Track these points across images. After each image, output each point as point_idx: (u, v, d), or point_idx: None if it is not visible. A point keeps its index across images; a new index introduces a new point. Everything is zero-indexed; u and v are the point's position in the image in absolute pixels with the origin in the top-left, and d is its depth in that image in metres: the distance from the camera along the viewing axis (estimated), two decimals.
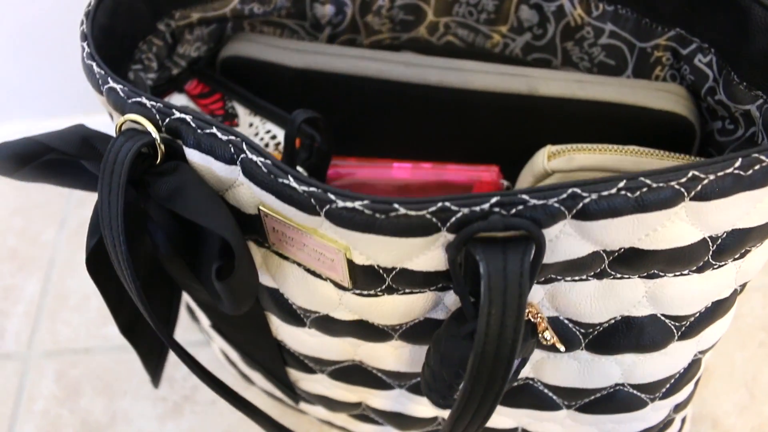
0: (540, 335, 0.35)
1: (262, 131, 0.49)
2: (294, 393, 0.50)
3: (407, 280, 0.33)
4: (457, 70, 0.48)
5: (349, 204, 0.29)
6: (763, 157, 0.30)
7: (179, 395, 0.62)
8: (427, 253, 0.31)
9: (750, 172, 0.30)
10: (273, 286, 0.38)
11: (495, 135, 0.49)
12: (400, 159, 0.49)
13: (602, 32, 0.49)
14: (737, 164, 0.29)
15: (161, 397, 0.62)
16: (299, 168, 0.46)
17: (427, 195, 0.48)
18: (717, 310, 0.37)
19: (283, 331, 0.42)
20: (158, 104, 0.33)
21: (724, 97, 0.43)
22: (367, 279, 0.33)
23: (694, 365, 0.40)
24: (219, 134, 0.32)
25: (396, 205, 0.29)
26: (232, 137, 0.32)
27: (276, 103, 0.52)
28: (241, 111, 0.50)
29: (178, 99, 0.50)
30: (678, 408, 0.44)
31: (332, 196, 0.29)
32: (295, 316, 0.39)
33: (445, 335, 0.33)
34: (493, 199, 0.29)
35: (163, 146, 0.33)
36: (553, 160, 0.43)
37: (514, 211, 0.29)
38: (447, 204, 0.29)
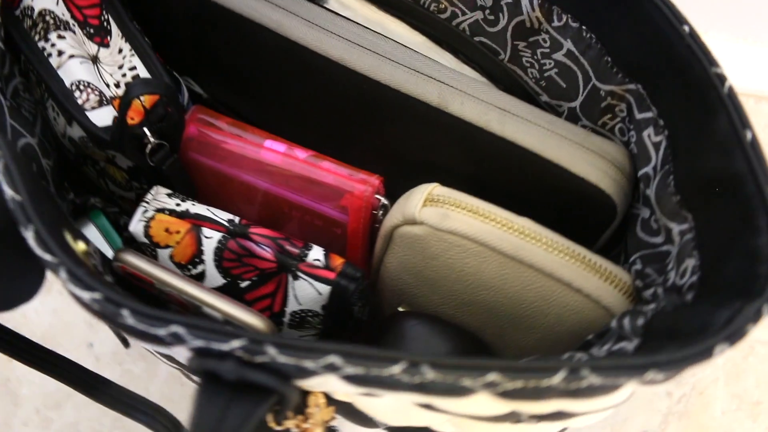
0: None
1: (126, 66, 0.40)
2: None
3: None
4: (367, 50, 0.38)
5: None
6: (587, 374, 0.23)
7: None
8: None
9: (572, 386, 0.23)
10: None
11: (395, 139, 0.40)
12: (283, 135, 0.41)
13: (560, 47, 0.38)
14: (557, 378, 0.23)
15: None
16: (147, 130, 0.38)
17: (292, 189, 0.40)
18: None
19: None
20: None
21: (653, 196, 0.34)
22: None
23: None
24: None
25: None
26: None
27: (170, 33, 0.43)
28: (115, 31, 0.41)
29: None
30: None
31: None
32: None
33: None
34: (235, 344, 0.22)
35: None
36: (428, 209, 0.35)
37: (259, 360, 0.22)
38: (177, 330, 0.22)
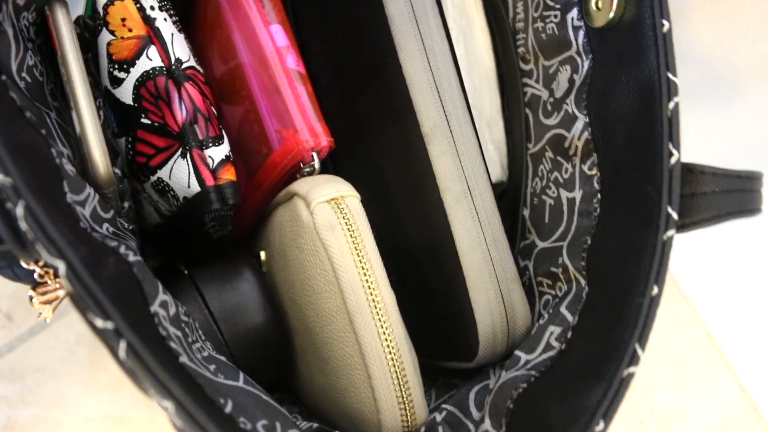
0: None
1: None
2: None
3: None
4: (420, 38, 0.34)
5: None
6: None
7: None
8: None
9: None
10: None
11: (369, 117, 0.36)
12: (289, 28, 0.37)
13: (570, 189, 0.34)
14: None
15: None
16: None
17: (260, 83, 0.37)
18: None
19: None
20: None
21: (489, 403, 0.31)
22: None
23: None
24: None
25: None
26: None
27: None
28: None
29: None
30: None
31: None
32: None
33: None
34: None
35: None
36: (326, 208, 0.32)
37: None
38: None
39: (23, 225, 0.22)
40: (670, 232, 0.27)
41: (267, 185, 0.39)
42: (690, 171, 0.29)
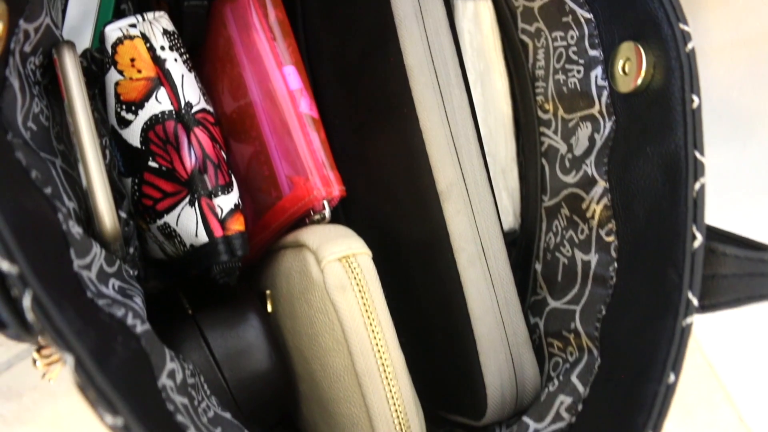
0: None
1: None
2: None
3: None
4: (439, 90, 0.33)
5: None
6: None
7: None
8: None
9: None
10: None
11: (384, 172, 0.36)
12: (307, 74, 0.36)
13: (586, 252, 0.33)
14: None
15: None
16: None
17: (271, 125, 0.36)
18: None
19: None
20: None
21: None
22: None
23: None
24: None
25: None
26: None
27: None
28: None
29: None
30: None
31: None
32: None
33: None
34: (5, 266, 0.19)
35: None
36: (337, 267, 0.31)
37: None
38: None
39: (30, 316, 0.21)
40: (690, 319, 0.27)
41: (275, 227, 0.38)
42: (712, 251, 0.28)
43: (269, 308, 0.39)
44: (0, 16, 0.25)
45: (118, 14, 0.38)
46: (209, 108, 0.35)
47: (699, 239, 0.27)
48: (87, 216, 0.31)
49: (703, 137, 0.28)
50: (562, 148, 0.36)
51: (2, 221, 0.22)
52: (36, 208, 0.25)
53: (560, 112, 0.36)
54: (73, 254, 0.26)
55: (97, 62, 0.37)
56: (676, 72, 0.29)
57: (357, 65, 0.36)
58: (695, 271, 0.27)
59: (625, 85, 0.31)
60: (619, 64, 0.31)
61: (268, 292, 0.39)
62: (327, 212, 0.35)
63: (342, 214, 0.38)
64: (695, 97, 0.28)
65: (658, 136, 0.29)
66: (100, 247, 0.30)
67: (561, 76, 0.35)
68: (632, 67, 0.31)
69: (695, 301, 0.27)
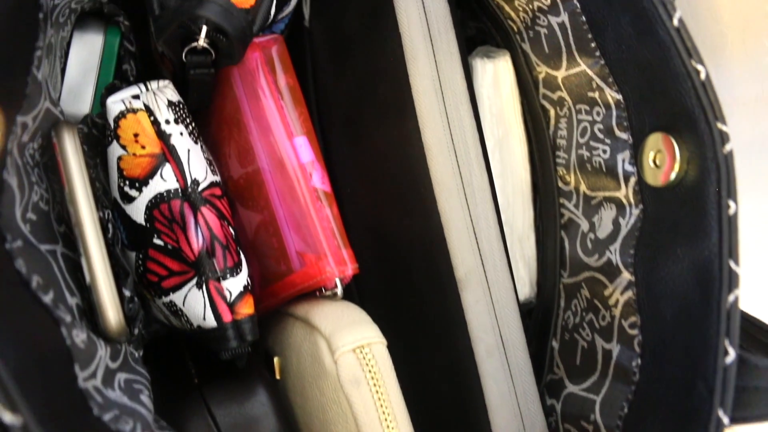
0: None
1: None
2: None
3: None
4: (458, 169, 0.32)
5: None
6: None
7: None
8: None
9: None
10: None
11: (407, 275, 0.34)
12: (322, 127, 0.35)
13: (610, 336, 0.32)
14: None
15: None
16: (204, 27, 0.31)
17: (281, 197, 0.34)
18: None
19: None
20: None
21: None
22: None
23: None
24: None
25: None
26: None
27: None
28: None
29: None
30: None
31: None
32: None
33: None
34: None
35: None
36: (351, 358, 0.30)
37: None
38: None
39: None
40: None
41: (283, 297, 0.36)
42: (743, 362, 0.27)
43: (277, 375, 0.38)
44: None
45: (120, 75, 0.36)
46: (216, 179, 0.34)
47: (732, 355, 0.26)
48: (90, 307, 0.30)
49: (738, 246, 0.27)
50: (584, 225, 0.34)
51: (3, 368, 0.20)
52: (38, 331, 0.24)
53: (582, 187, 0.34)
54: (78, 369, 0.25)
55: (99, 127, 0.35)
56: (711, 173, 0.27)
57: (372, 135, 0.34)
58: (727, 389, 0.26)
59: (654, 178, 0.29)
60: (650, 155, 0.30)
61: (276, 359, 0.38)
62: (339, 290, 0.34)
63: (356, 292, 0.37)
64: (732, 203, 0.27)
65: (690, 239, 0.28)
66: (104, 345, 0.28)
67: (585, 152, 0.34)
68: (663, 159, 0.29)
69: (726, 420, 0.26)
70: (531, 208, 0.38)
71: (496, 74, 0.36)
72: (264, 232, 0.36)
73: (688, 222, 0.28)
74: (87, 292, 0.30)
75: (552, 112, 0.36)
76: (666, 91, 0.28)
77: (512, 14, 0.36)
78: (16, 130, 0.26)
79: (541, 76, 0.36)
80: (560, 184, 0.36)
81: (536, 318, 0.37)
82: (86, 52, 0.36)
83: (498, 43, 0.38)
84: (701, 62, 0.27)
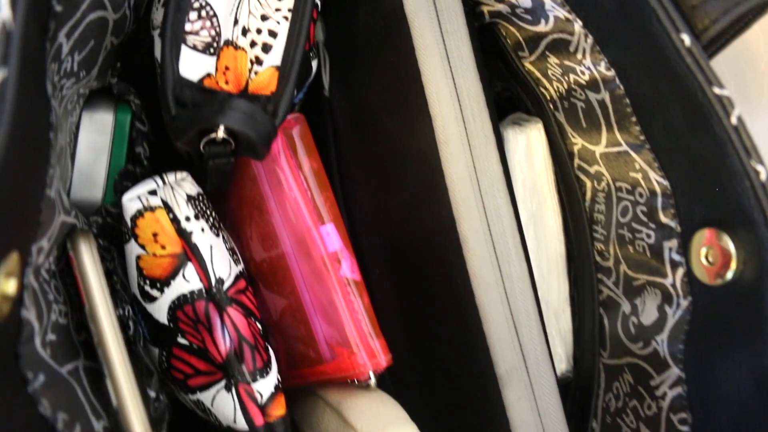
0: None
1: (270, 24, 0.30)
2: None
3: None
4: (498, 269, 0.30)
5: None
6: None
7: None
8: None
9: None
10: None
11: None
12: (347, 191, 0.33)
13: (657, 429, 0.31)
14: None
15: None
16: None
17: (309, 286, 0.33)
18: None
19: None
20: None
21: None
22: None
23: None
24: None
25: None
26: None
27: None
28: None
29: None
30: None
31: None
32: None
33: None
34: None
35: None
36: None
37: None
38: None
39: None
40: None
41: (312, 381, 0.35)
42: None
43: None
44: (11, 272, 0.22)
45: (133, 157, 0.34)
46: (240, 269, 0.32)
47: None
48: (117, 425, 0.29)
49: None
50: (625, 306, 0.33)
51: None
52: None
53: (623, 267, 0.33)
54: None
55: (113, 216, 0.33)
56: None
57: (404, 223, 0.32)
58: None
59: (706, 276, 0.28)
60: (702, 251, 0.28)
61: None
62: (373, 381, 0.33)
63: (390, 383, 0.35)
64: None
65: (748, 345, 0.26)
66: None
67: (627, 233, 0.32)
68: (716, 257, 0.27)
69: None
70: (566, 280, 0.36)
71: (528, 145, 0.34)
72: (290, 317, 0.34)
73: (745, 325, 0.27)
74: (114, 411, 0.28)
75: (588, 185, 0.34)
76: (720, 187, 0.27)
77: (544, 82, 0.34)
78: (32, 259, 0.24)
79: (576, 148, 0.34)
80: (598, 258, 0.35)
81: (574, 395, 0.36)
82: (96, 132, 0.34)
83: (528, 108, 0.36)
84: (761, 162, 0.26)
